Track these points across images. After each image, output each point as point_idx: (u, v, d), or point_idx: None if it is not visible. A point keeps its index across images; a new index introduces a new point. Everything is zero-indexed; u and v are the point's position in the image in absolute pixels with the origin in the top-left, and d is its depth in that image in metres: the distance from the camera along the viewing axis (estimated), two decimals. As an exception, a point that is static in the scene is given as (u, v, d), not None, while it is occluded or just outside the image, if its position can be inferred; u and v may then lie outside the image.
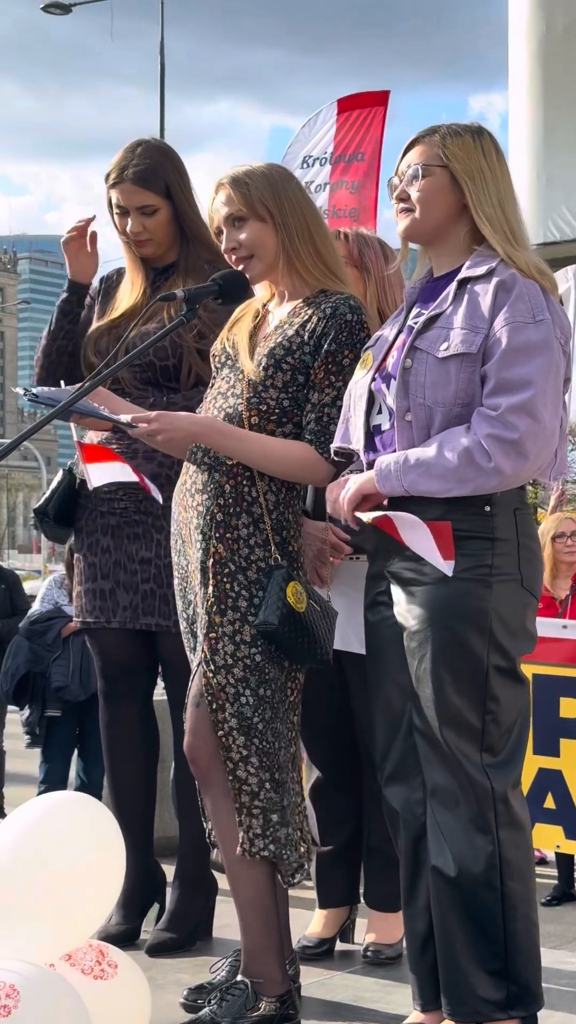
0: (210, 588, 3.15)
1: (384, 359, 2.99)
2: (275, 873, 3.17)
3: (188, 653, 3.32)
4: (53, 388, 3.35)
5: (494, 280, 2.85)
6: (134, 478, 3.34)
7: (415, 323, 2.93)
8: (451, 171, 2.92)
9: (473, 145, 2.94)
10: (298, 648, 3.13)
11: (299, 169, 8.71)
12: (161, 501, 3.40)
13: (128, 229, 3.80)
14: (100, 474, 3.48)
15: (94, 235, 3.87)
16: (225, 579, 3.14)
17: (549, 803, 4.67)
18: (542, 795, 4.61)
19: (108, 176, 3.82)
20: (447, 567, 2.79)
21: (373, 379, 3.00)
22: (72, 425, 3.81)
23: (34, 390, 3.32)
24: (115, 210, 3.82)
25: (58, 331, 3.94)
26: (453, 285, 2.91)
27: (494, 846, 2.85)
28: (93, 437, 3.84)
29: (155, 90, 22.59)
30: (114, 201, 3.81)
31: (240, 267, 3.27)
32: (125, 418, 3.21)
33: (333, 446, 3.11)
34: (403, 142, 3.05)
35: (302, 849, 3.20)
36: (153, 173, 3.77)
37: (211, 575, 3.15)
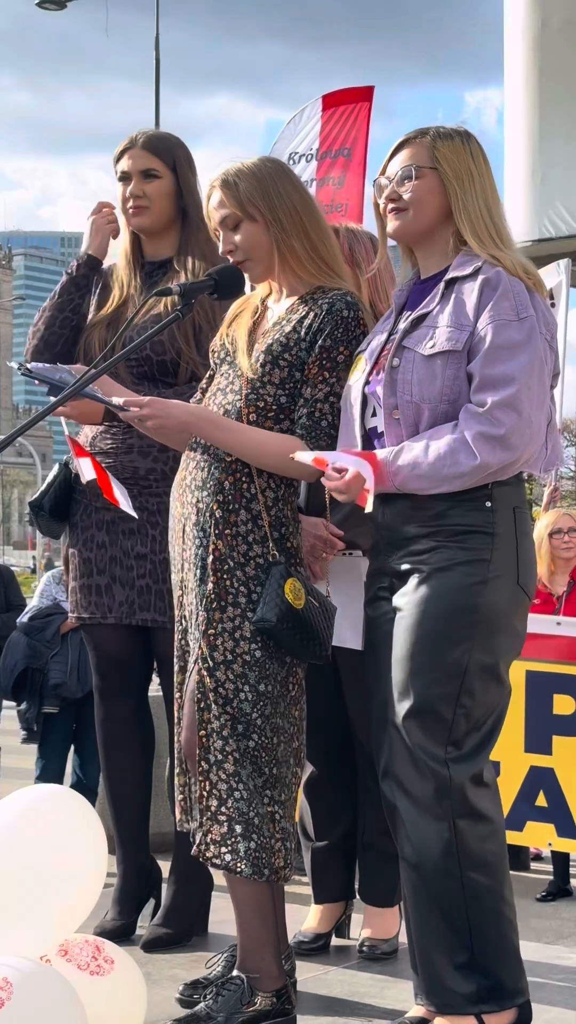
0: (209, 584, 3.14)
1: (377, 362, 3.02)
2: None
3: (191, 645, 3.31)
4: (47, 365, 3.33)
5: (480, 278, 2.91)
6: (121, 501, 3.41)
7: (404, 324, 2.98)
8: (441, 173, 2.97)
9: (462, 148, 3.01)
10: (297, 645, 3.12)
11: (286, 166, 8.70)
12: (135, 515, 3.51)
13: (129, 191, 3.81)
14: (91, 471, 3.48)
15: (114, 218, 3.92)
16: (224, 575, 3.14)
17: (541, 801, 4.64)
18: (534, 793, 4.58)
19: (119, 151, 3.84)
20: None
21: (367, 382, 3.03)
22: (63, 420, 3.80)
23: (29, 365, 3.31)
24: (119, 176, 3.84)
25: (66, 302, 3.91)
26: (440, 285, 2.98)
27: (450, 834, 2.88)
28: (88, 433, 3.84)
29: (151, 84, 22.52)
30: (121, 169, 3.83)
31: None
32: (118, 400, 3.20)
33: (338, 450, 3.12)
34: (399, 137, 3.06)
35: (276, 861, 3.12)
36: (163, 144, 3.83)
37: (211, 572, 3.14)
